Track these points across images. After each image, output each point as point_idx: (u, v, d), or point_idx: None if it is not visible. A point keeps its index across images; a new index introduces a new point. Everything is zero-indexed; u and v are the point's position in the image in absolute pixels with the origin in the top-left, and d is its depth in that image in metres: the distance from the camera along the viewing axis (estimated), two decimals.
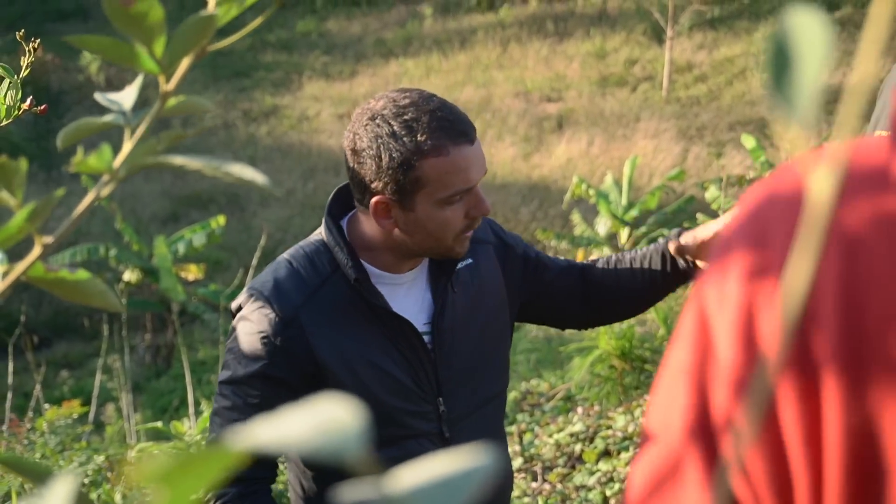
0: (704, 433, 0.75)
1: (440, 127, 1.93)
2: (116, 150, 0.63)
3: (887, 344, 0.67)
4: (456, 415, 2.17)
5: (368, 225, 2.11)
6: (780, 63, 0.29)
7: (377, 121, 1.97)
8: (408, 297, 2.15)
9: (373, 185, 2.00)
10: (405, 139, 1.93)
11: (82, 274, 0.68)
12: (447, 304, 2.16)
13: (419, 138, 1.93)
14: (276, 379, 2.03)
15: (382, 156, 1.95)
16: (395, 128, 1.94)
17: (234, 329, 2.10)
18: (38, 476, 0.67)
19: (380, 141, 1.95)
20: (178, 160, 0.61)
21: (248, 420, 2.04)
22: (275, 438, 0.32)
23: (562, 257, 2.47)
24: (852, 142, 0.74)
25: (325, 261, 2.10)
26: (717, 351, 0.74)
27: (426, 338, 2.14)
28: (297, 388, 2.05)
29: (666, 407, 0.79)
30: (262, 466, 2.12)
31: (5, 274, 0.65)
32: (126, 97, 0.66)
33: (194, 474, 0.31)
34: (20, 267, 0.64)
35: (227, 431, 2.07)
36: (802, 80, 0.29)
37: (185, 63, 0.62)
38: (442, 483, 0.31)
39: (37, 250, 0.63)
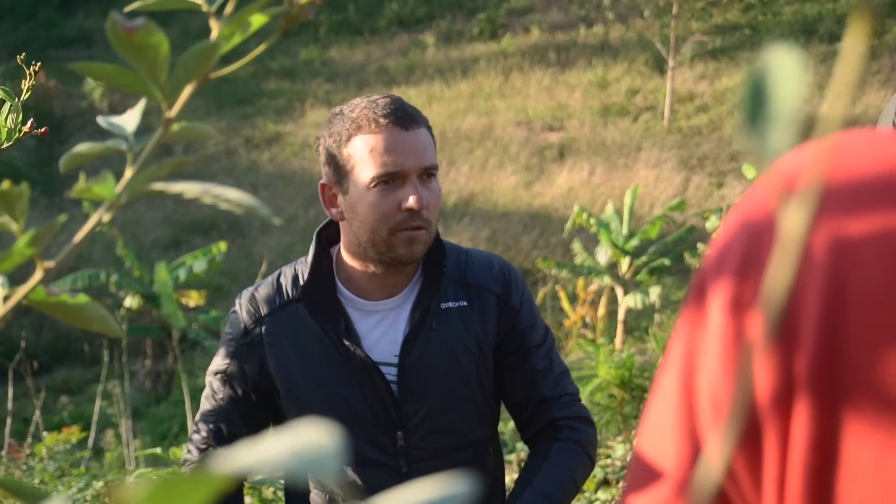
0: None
1: (375, 108, 1.98)
2: (117, 173, 0.64)
3: (866, 365, 0.68)
4: (419, 452, 2.11)
5: (342, 238, 2.13)
6: (755, 99, 0.30)
7: (335, 111, 2.08)
8: (380, 325, 2.13)
9: (323, 171, 2.07)
10: (343, 119, 2.01)
11: (82, 298, 0.69)
12: (419, 340, 2.11)
13: (353, 115, 1.99)
14: (232, 381, 2.13)
15: (327, 138, 2.04)
16: (343, 111, 2.04)
17: None
18: (37, 501, 0.68)
19: (329, 124, 2.04)
20: (177, 187, 0.62)
21: (212, 410, 2.17)
22: (256, 461, 0.33)
23: (564, 389, 2.23)
24: (839, 152, 0.74)
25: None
26: (703, 385, 0.75)
27: (392, 369, 2.11)
28: (249, 393, 2.13)
29: (656, 440, 0.80)
30: (219, 439, 2.18)
31: (7, 298, 0.66)
32: (128, 121, 0.67)
33: (179, 496, 0.32)
34: (22, 291, 0.64)
35: (198, 419, 2.19)
36: (776, 116, 0.30)
37: (187, 90, 0.63)
38: None
39: (38, 275, 0.63)
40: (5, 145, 1.47)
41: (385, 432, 2.10)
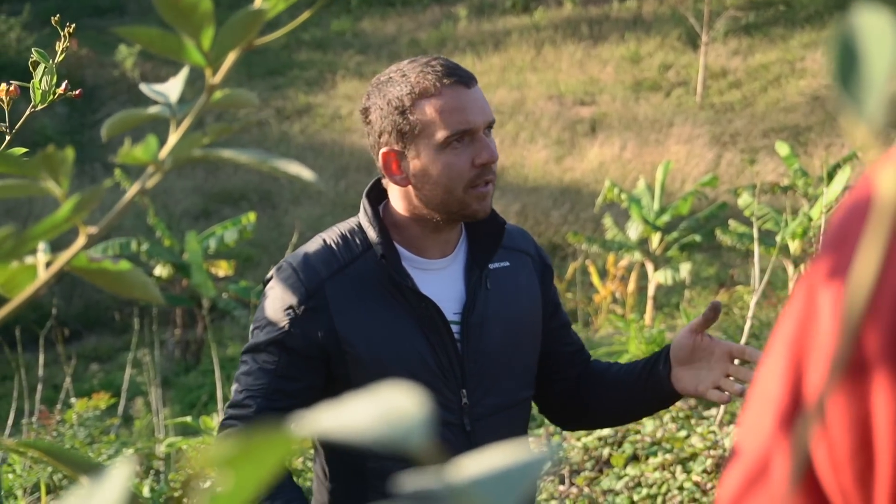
0: (795, 419, 0.73)
1: (433, 71, 2.03)
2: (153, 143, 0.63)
3: None
4: (480, 410, 2.15)
5: (395, 200, 2.16)
6: (848, 62, 0.29)
7: (380, 79, 2.10)
8: (437, 283, 2.16)
9: (381, 140, 2.09)
10: (400, 85, 2.04)
11: (124, 265, 0.68)
12: (478, 298, 2.16)
13: (413, 80, 2.03)
14: (292, 349, 2.07)
15: (383, 106, 2.06)
16: (393, 78, 2.07)
17: (262, 298, 2.15)
18: (82, 468, 0.67)
19: (380, 93, 2.07)
20: (226, 153, 0.61)
21: (261, 384, 2.08)
22: (338, 426, 0.32)
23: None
24: None
25: (359, 240, 2.14)
26: (819, 324, 0.72)
27: (454, 327, 2.14)
28: (311, 359, 2.08)
29: (766, 381, 0.77)
30: (275, 413, 2.10)
31: (49, 264, 0.65)
32: (171, 89, 0.66)
33: (257, 460, 0.32)
34: (64, 257, 0.64)
35: (242, 398, 2.11)
36: (871, 80, 0.28)
37: (231, 57, 0.62)
38: (500, 474, 0.31)
39: (81, 240, 0.63)
40: (40, 107, 1.46)
41: (451, 390, 2.13)
